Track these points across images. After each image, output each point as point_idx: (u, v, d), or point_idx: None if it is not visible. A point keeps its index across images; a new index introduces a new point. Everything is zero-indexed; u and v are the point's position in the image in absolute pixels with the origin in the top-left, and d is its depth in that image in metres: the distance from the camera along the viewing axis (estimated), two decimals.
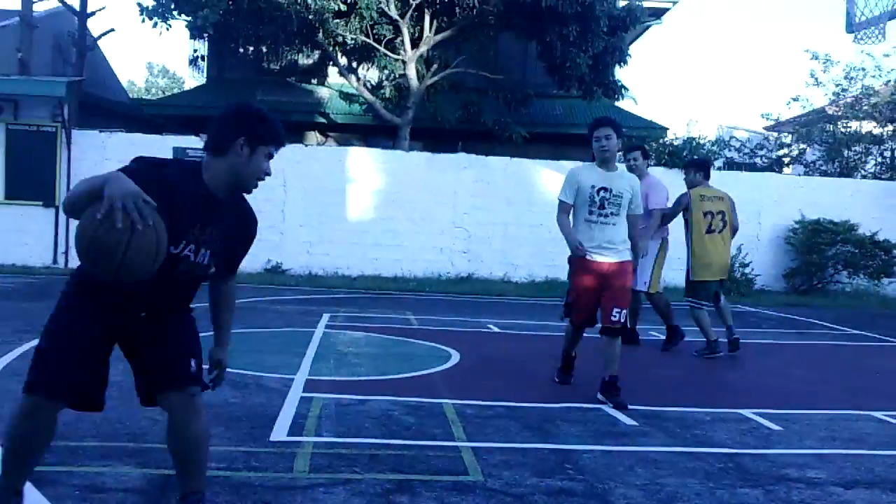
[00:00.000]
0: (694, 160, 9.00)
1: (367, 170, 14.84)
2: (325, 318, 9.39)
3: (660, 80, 71.90)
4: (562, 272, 15.71)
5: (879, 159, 19.32)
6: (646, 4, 17.44)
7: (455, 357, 7.29)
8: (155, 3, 14.56)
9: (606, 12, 14.93)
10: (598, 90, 16.22)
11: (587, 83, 15.87)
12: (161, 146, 14.04)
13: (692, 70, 79.42)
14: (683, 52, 79.87)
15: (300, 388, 5.71)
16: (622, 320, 5.82)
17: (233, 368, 6.19)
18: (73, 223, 2.64)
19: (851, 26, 8.77)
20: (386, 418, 5.05)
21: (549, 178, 15.16)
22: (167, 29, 15.14)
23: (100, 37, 18.36)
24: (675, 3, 18.94)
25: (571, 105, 17.87)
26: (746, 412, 5.69)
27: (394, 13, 15.82)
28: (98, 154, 13.91)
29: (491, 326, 9.59)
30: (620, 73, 17.08)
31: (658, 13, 19.10)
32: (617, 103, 19.17)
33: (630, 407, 5.61)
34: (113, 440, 4.30)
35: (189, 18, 15.31)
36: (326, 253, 14.61)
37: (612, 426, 5.20)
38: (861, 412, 5.86)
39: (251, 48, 17.37)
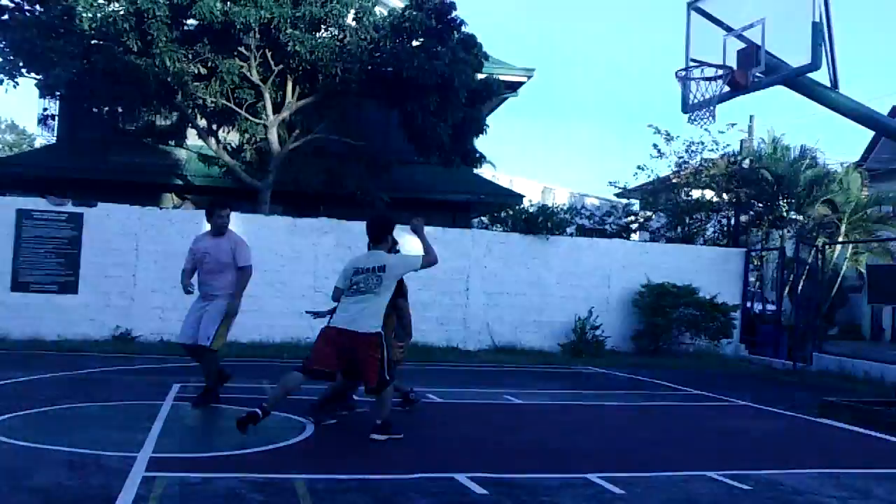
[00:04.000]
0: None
1: None
2: (176, 388, 9.07)
3: (517, 150, 74.67)
4: (421, 336, 15.88)
5: (717, 226, 20.71)
6: (502, 78, 18.20)
7: (309, 428, 7.20)
8: (2, 59, 13.98)
9: (465, 85, 15.45)
10: (458, 159, 16.68)
11: (447, 152, 16.29)
12: (4, 208, 13.35)
13: (548, 139, 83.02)
14: (538, 123, 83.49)
15: (143, 466, 5.48)
16: None
17: (70, 447, 5.91)
18: None
19: (686, 108, 9.46)
20: (232, 498, 4.92)
21: (411, 243, 15.32)
22: (14, 87, 14.55)
23: None
24: (529, 77, 19.86)
25: (432, 172, 18.28)
26: (592, 476, 5.88)
27: (255, 78, 15.81)
28: None
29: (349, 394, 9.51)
30: (479, 143, 17.66)
31: (514, 86, 19.94)
32: (476, 171, 19.73)
33: (483, 475, 5.71)
34: None
35: (39, 77, 14.76)
36: (181, 318, 13.99)
37: (464, 496, 5.26)
38: (697, 472, 6.18)
39: (106, 108, 16.87)
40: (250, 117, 16.32)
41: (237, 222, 14.67)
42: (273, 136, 16.16)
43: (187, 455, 6.00)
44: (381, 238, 7.21)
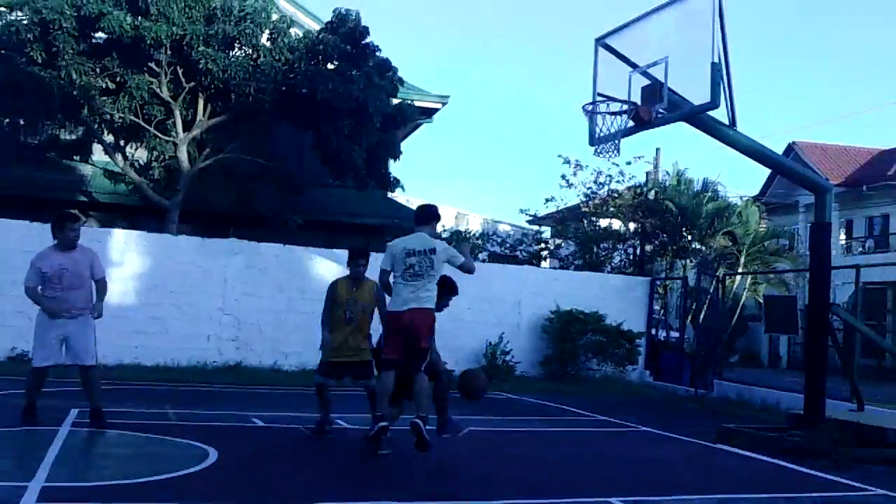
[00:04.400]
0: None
1: (130, 253, 14.21)
2: (73, 414, 8.72)
3: (432, 175, 75.21)
4: None
5: (624, 255, 21.27)
6: (417, 104, 18.37)
7: (212, 456, 7.04)
8: None
9: (379, 109, 15.53)
10: (372, 182, 16.70)
11: (362, 175, 16.29)
12: None
13: (462, 166, 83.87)
14: (453, 149, 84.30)
15: (34, 497, 5.26)
16: None
17: None
18: None
19: (593, 141, 9.73)
20: None
21: (323, 265, 15.28)
22: None
23: None
24: (444, 104, 20.09)
25: (346, 195, 18.23)
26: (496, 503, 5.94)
27: (166, 95, 15.50)
28: None
29: (256, 420, 9.37)
30: (394, 167, 17.74)
31: (428, 112, 20.14)
32: (391, 195, 19.78)
33: (387, 503, 5.69)
34: None
35: None
36: None
37: None
38: (599, 499, 6.30)
39: (6, 120, 16.27)
40: (159, 134, 15.98)
41: (144, 241, 14.40)
42: (183, 154, 15.85)
43: (82, 484, 5.79)
44: (427, 220, 7.39)
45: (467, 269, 7.35)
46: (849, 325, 10.96)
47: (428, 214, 7.44)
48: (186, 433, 8.01)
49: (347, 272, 8.37)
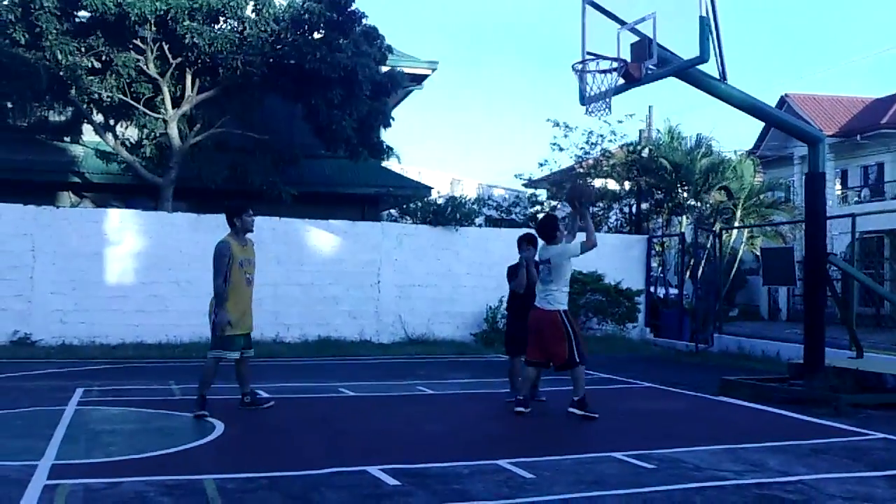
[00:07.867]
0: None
1: (126, 232, 14.19)
2: (79, 393, 8.80)
3: (426, 142, 74.86)
4: (333, 331, 15.77)
5: (620, 214, 21.25)
6: (406, 71, 18.21)
7: (219, 428, 7.10)
8: None
9: (368, 77, 15.40)
10: (365, 151, 16.61)
11: (353, 145, 16.20)
12: None
13: (454, 132, 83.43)
14: (446, 115, 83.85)
15: (44, 475, 5.31)
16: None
17: None
18: None
19: (584, 100, 9.67)
20: (139, 501, 4.83)
21: (320, 237, 15.28)
22: None
23: None
24: (433, 70, 19.91)
25: (339, 165, 18.16)
26: (503, 462, 5.99)
27: (153, 72, 15.36)
28: None
29: (260, 393, 9.42)
30: (386, 135, 17.63)
31: (418, 79, 19.95)
32: (384, 164, 19.69)
33: (395, 466, 5.75)
34: None
35: None
36: (82, 321, 13.71)
37: (376, 488, 5.29)
38: (604, 454, 6.37)
39: None
40: (149, 112, 15.87)
41: (140, 220, 14.37)
42: (173, 130, 15.76)
43: (91, 461, 5.84)
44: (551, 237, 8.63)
45: (592, 246, 8.64)
46: (846, 274, 11.00)
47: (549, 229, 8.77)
48: (192, 408, 8.06)
49: (233, 231, 7.87)
